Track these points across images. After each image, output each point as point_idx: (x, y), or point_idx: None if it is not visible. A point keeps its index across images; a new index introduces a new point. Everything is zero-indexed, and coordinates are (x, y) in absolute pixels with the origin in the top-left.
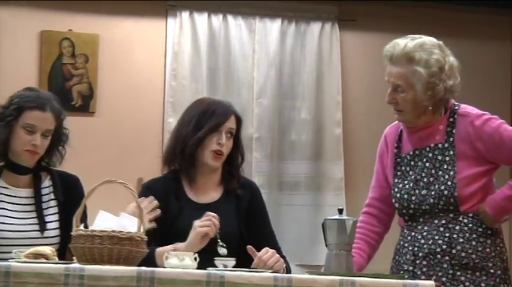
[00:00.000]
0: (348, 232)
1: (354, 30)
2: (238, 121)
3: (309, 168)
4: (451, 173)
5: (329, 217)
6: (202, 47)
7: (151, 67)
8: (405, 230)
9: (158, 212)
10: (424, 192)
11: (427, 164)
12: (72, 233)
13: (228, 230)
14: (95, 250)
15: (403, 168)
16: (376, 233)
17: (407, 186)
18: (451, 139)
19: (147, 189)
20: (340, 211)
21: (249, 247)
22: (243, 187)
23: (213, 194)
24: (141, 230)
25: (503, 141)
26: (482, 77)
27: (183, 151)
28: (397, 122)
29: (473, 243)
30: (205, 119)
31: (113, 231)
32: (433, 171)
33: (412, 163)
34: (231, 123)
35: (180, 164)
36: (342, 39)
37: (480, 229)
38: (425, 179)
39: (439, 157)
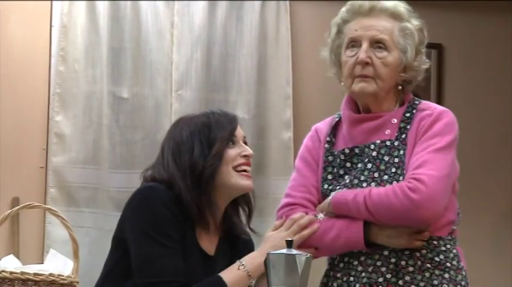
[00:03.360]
0: (299, 272)
1: None
2: None
3: None
4: (401, 178)
5: (274, 252)
6: (102, 19)
7: (31, 46)
8: (336, 255)
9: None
10: None
11: (369, 166)
12: None
13: None
14: None
15: (335, 170)
16: None
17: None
18: (404, 136)
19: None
20: (289, 243)
21: None
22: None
23: (212, 240)
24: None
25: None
26: (482, 55)
27: (198, 182)
28: (329, 118)
29: (427, 275)
30: (213, 131)
31: (51, 274)
32: (375, 174)
33: (348, 163)
34: (242, 131)
35: (197, 203)
36: (293, 10)
37: (437, 259)
38: (364, 185)
39: (386, 158)
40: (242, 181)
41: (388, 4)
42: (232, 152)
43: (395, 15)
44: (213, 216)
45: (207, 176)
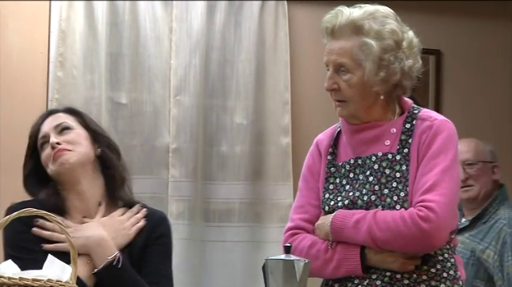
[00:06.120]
0: (297, 278)
1: (307, 4)
2: (73, 113)
3: (246, 191)
4: (402, 194)
5: (272, 257)
6: (101, 25)
7: (29, 51)
8: None
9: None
10: None
11: (371, 179)
12: None
13: None
14: None
15: (337, 180)
16: None
17: (340, 203)
18: (406, 150)
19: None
20: (288, 249)
21: None
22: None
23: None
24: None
25: (429, 169)
26: (480, 61)
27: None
28: (331, 128)
29: None
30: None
31: (49, 280)
32: (376, 187)
33: (351, 174)
34: (54, 120)
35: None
36: (292, 16)
37: (433, 270)
38: (365, 198)
39: (387, 171)
40: (53, 168)
41: (351, 18)
42: (43, 156)
43: (356, 30)
44: (77, 203)
45: (32, 183)
